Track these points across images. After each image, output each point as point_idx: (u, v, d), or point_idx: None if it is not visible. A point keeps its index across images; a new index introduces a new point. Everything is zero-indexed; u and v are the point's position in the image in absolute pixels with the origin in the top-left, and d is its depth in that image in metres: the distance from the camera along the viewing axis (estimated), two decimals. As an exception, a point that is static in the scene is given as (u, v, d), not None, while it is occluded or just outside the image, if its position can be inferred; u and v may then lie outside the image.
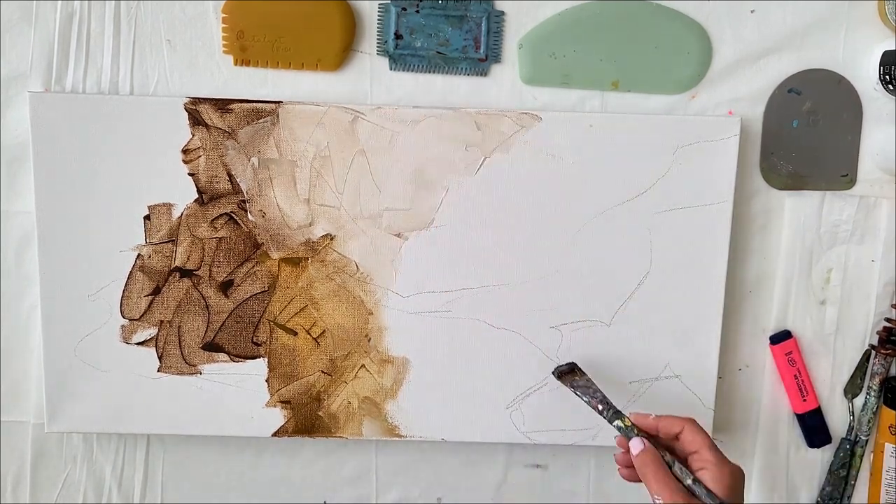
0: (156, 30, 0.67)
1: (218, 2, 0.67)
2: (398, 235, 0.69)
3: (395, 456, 0.75)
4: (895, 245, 0.71)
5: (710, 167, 0.68)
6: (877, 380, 0.73)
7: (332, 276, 0.69)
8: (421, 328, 0.70)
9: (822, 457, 0.75)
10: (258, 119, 0.67)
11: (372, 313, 0.70)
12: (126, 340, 0.70)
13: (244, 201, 0.68)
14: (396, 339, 0.70)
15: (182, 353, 0.70)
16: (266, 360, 0.70)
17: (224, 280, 0.69)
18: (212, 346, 0.70)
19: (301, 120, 0.67)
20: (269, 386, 0.71)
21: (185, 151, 0.67)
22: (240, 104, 0.67)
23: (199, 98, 0.67)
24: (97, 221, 0.68)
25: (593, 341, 0.70)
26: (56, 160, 0.67)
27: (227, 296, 0.69)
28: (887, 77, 0.67)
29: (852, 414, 0.74)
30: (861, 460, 0.74)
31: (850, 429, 0.74)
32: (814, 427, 0.74)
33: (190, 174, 0.68)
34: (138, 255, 0.69)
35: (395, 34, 0.67)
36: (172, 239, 0.69)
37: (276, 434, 0.72)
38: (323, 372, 0.71)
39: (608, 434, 0.72)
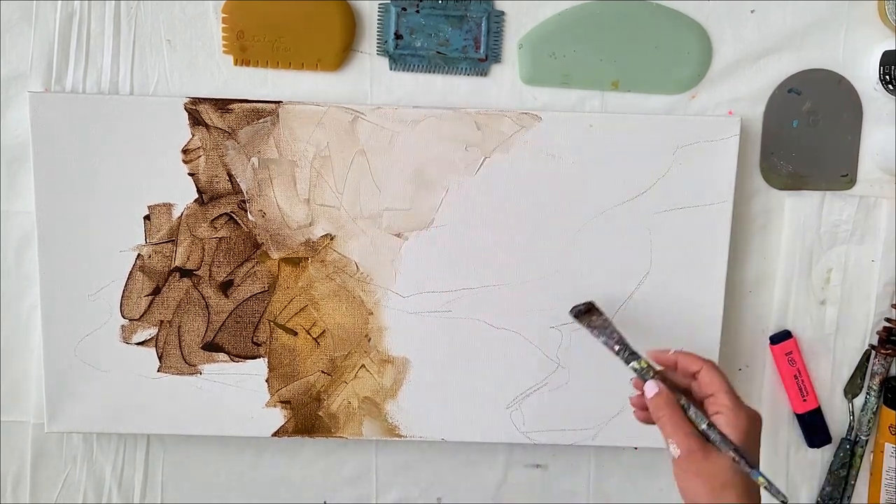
0: (156, 30, 0.67)
1: (218, 2, 0.67)
2: (398, 235, 0.69)
3: (395, 456, 0.75)
4: (895, 245, 0.71)
5: (710, 167, 0.68)
6: (877, 380, 0.73)
7: (332, 276, 0.69)
8: (421, 328, 0.70)
9: (822, 457, 0.75)
10: (258, 119, 0.67)
11: (372, 313, 0.70)
12: (126, 340, 0.70)
13: (244, 201, 0.68)
14: (396, 339, 0.70)
15: (182, 353, 0.70)
16: (266, 360, 0.70)
17: (224, 280, 0.69)
18: (212, 346, 0.70)
19: (301, 120, 0.67)
20: (269, 386, 0.71)
21: (185, 151, 0.67)
22: (240, 104, 0.67)
23: (199, 98, 0.67)
24: (97, 221, 0.68)
25: (593, 341, 0.70)
26: (56, 160, 0.67)
27: (227, 296, 0.69)
28: (887, 77, 0.67)
29: (852, 414, 0.74)
30: (861, 460, 0.74)
31: (850, 429, 0.74)
32: (814, 427, 0.74)
33: (190, 174, 0.68)
34: (138, 255, 0.69)
35: (395, 34, 0.67)
36: (172, 239, 0.69)
37: (276, 434, 0.72)
38: (323, 372, 0.71)
39: (608, 434, 0.72)
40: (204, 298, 0.69)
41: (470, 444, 0.74)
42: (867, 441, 0.74)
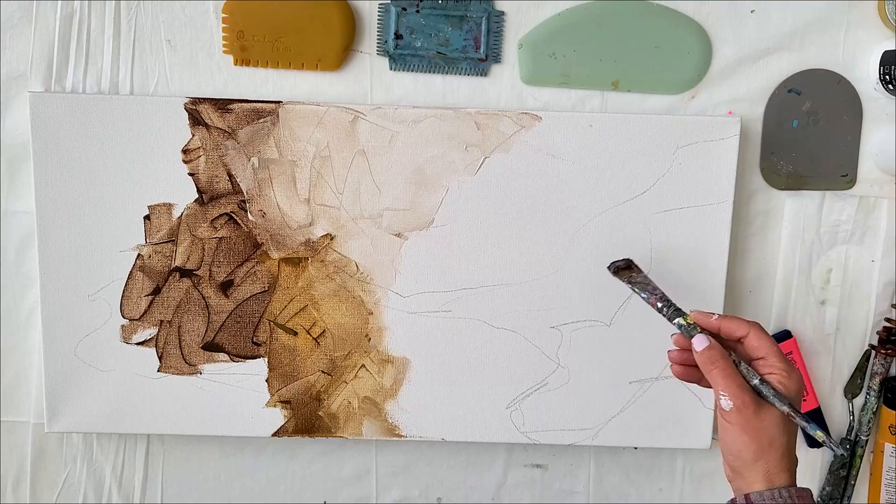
0: (156, 30, 0.67)
1: (218, 2, 0.67)
2: (398, 235, 0.69)
3: (395, 456, 0.75)
4: (895, 245, 0.71)
5: (709, 167, 0.68)
6: (877, 380, 0.73)
7: (332, 276, 0.69)
8: (421, 328, 0.70)
9: (822, 457, 0.75)
10: (258, 119, 0.67)
11: (372, 313, 0.70)
12: (126, 340, 0.70)
13: (244, 201, 0.68)
14: (396, 339, 0.70)
15: (182, 353, 0.70)
16: (266, 360, 0.70)
17: (224, 280, 0.69)
18: (212, 346, 0.70)
19: (301, 120, 0.67)
20: (269, 386, 0.71)
21: (185, 151, 0.67)
22: (240, 104, 0.67)
23: (199, 98, 0.67)
24: (97, 221, 0.68)
25: (593, 341, 0.70)
26: (56, 160, 0.67)
27: (227, 296, 0.69)
28: (887, 77, 0.67)
29: (852, 414, 0.74)
30: (861, 460, 0.74)
31: (850, 429, 0.74)
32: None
33: (190, 174, 0.68)
34: (138, 255, 0.69)
35: (395, 34, 0.67)
36: (172, 239, 0.69)
37: (276, 434, 0.72)
38: (323, 372, 0.71)
39: (608, 434, 0.72)
40: (204, 298, 0.69)
41: (470, 444, 0.74)
42: (867, 441, 0.74)
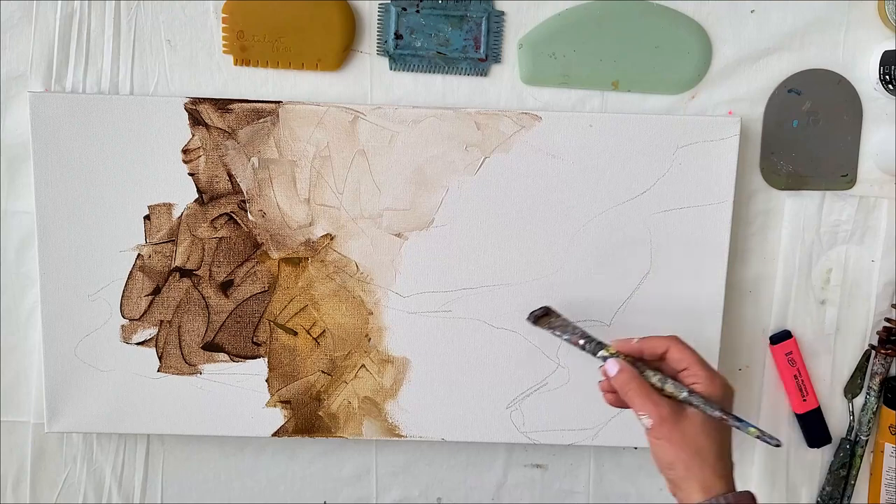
0: (156, 30, 0.67)
1: (218, 2, 0.67)
2: (398, 235, 0.69)
3: (395, 456, 0.76)
4: (895, 245, 0.71)
5: (709, 167, 0.68)
6: (877, 380, 0.73)
7: (332, 276, 0.69)
8: (421, 328, 0.70)
9: (822, 457, 0.75)
10: (258, 119, 0.67)
11: (372, 313, 0.70)
12: (126, 340, 0.70)
13: (244, 201, 0.68)
14: (396, 339, 0.70)
15: (182, 353, 0.70)
16: (266, 359, 0.70)
17: (224, 280, 0.69)
18: (212, 346, 0.70)
19: (301, 120, 0.67)
20: (269, 386, 0.71)
21: (185, 151, 0.67)
22: (240, 104, 0.67)
23: (199, 98, 0.67)
24: (97, 221, 0.68)
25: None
26: (56, 160, 0.67)
27: (227, 296, 0.69)
28: (887, 77, 0.67)
29: (852, 414, 0.74)
30: (861, 460, 0.74)
31: (850, 429, 0.74)
32: (814, 427, 0.74)
33: (190, 174, 0.68)
34: (138, 255, 0.69)
35: (395, 34, 0.67)
36: (172, 239, 0.69)
37: (276, 434, 0.72)
38: (323, 372, 0.71)
39: (608, 434, 0.72)
40: (204, 298, 0.69)
41: (470, 444, 0.74)
42: (867, 441, 0.74)
